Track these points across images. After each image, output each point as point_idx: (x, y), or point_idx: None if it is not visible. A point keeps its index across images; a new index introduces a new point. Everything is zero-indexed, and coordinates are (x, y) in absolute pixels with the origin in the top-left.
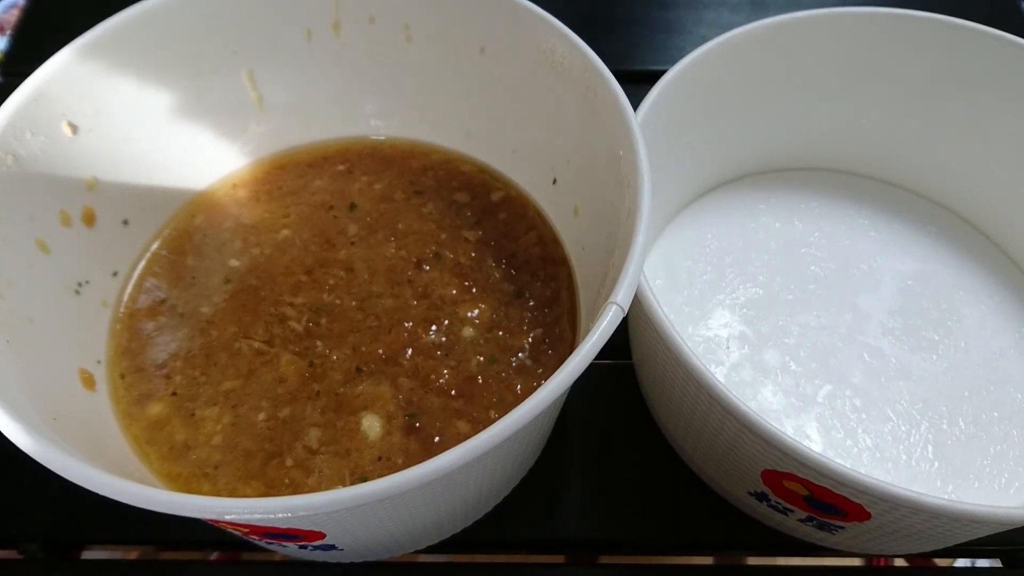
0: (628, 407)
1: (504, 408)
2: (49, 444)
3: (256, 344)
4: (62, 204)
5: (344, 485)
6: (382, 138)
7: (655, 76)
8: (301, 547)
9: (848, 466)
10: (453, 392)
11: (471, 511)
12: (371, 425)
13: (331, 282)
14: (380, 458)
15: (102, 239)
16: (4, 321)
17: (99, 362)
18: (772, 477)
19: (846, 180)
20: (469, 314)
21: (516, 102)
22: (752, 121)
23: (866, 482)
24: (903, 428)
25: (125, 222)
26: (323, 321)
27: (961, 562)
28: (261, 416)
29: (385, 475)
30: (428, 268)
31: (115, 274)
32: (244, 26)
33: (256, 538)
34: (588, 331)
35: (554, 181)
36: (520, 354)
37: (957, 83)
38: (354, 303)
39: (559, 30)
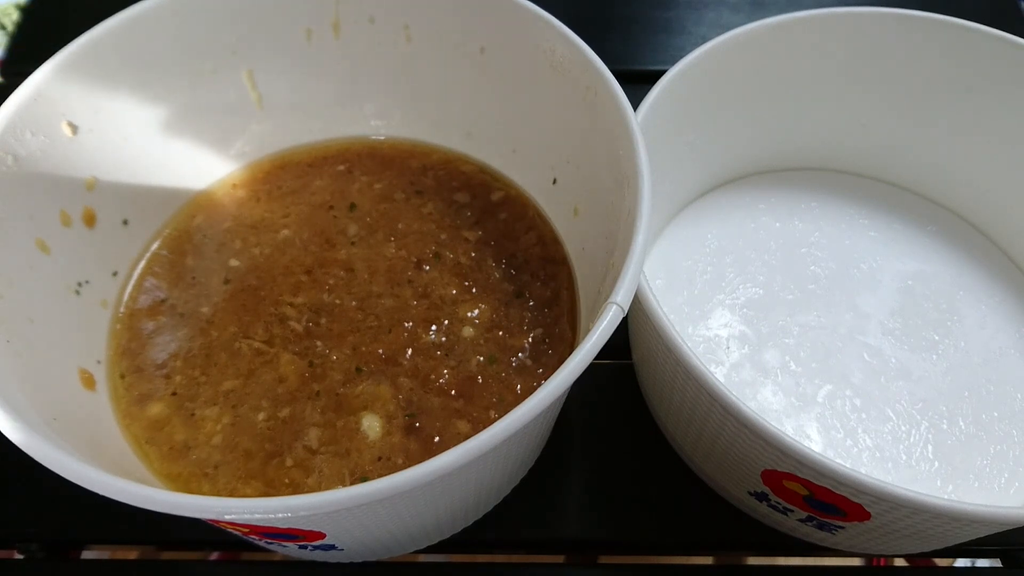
0: (628, 407)
1: (504, 408)
2: (49, 444)
3: (256, 344)
4: (62, 204)
5: (344, 485)
6: (382, 138)
7: (655, 76)
8: (301, 547)
9: (848, 466)
10: (453, 392)
11: (471, 511)
12: (371, 425)
13: (331, 282)
14: (380, 458)
15: (102, 239)
16: (4, 321)
17: (99, 362)
18: (772, 477)
19: (846, 180)
20: (469, 314)
21: (516, 102)
22: (752, 121)
23: (866, 482)
24: (903, 428)
25: (125, 222)
26: (323, 321)
27: (961, 562)
28: (261, 416)
29: (385, 475)
30: (428, 268)
31: (115, 274)
32: (244, 26)
33: (256, 538)
34: (588, 331)
35: (554, 181)
36: (520, 354)
37: (957, 83)
38: (354, 303)
39: (559, 30)
